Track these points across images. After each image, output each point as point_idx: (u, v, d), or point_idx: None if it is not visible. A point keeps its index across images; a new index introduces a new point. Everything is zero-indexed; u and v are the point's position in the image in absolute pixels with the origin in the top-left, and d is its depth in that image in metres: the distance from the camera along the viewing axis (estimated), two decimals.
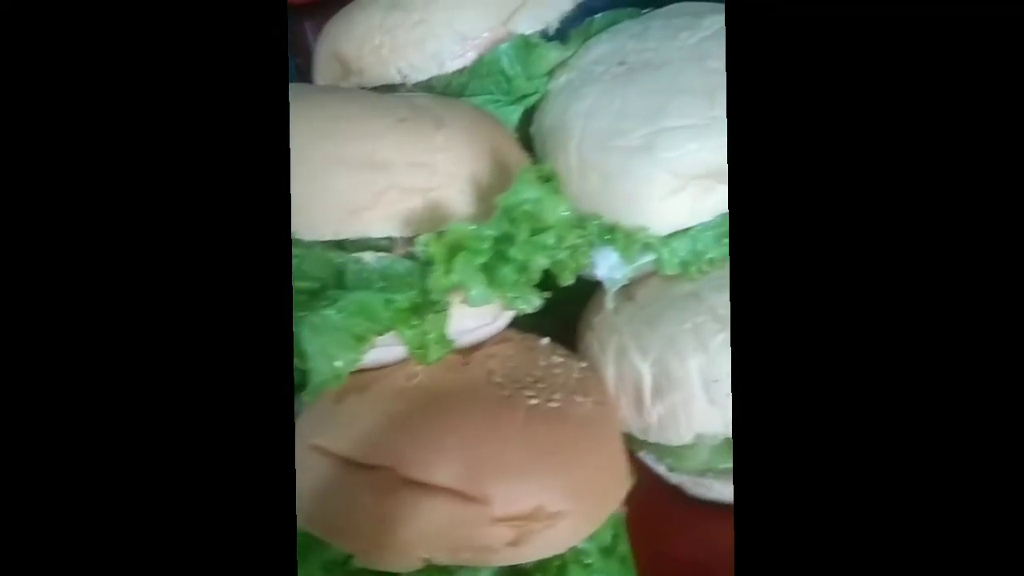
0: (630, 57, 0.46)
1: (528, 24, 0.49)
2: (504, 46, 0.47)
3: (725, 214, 0.44)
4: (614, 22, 0.52)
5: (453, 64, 0.48)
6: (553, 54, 0.49)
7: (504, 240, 0.36)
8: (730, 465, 0.43)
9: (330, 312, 0.35)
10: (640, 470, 0.47)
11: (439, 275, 0.35)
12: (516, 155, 0.42)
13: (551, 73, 0.49)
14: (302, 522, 0.37)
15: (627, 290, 0.47)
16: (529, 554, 0.35)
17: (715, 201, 0.43)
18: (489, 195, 0.39)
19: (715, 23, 0.46)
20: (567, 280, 0.41)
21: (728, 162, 0.32)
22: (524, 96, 0.49)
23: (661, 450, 0.44)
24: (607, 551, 0.38)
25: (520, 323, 0.51)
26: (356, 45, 0.49)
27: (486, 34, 0.48)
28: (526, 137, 0.50)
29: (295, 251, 0.38)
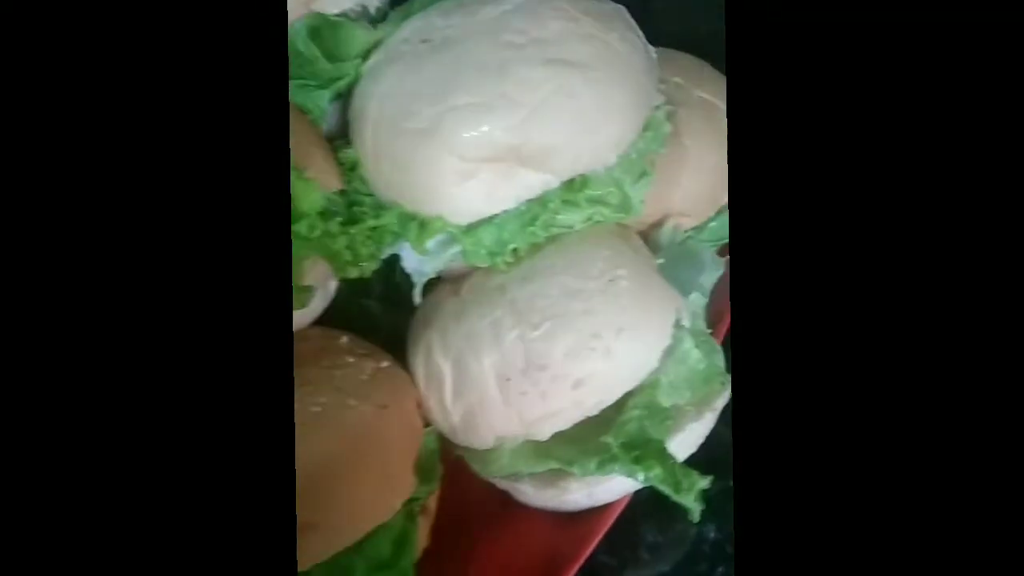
0: (433, 34, 0.43)
1: (331, 4, 0.46)
2: (298, 24, 0.44)
3: (532, 200, 0.41)
4: (433, 2, 0.49)
5: None
6: (361, 34, 0.45)
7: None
8: (536, 469, 0.40)
9: None
10: (466, 475, 0.44)
11: None
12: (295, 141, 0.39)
13: (365, 55, 0.47)
14: None
15: (454, 284, 0.45)
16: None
17: (517, 186, 0.40)
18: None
19: None
20: (350, 273, 0.39)
21: (728, 161, 0.32)
22: (333, 80, 0.46)
23: (469, 453, 0.42)
24: (385, 564, 0.35)
25: (376, 320, 0.48)
26: None
27: (288, 16, 0.45)
28: (344, 125, 0.47)
29: None
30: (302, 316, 0.41)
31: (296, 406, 0.35)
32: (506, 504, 0.45)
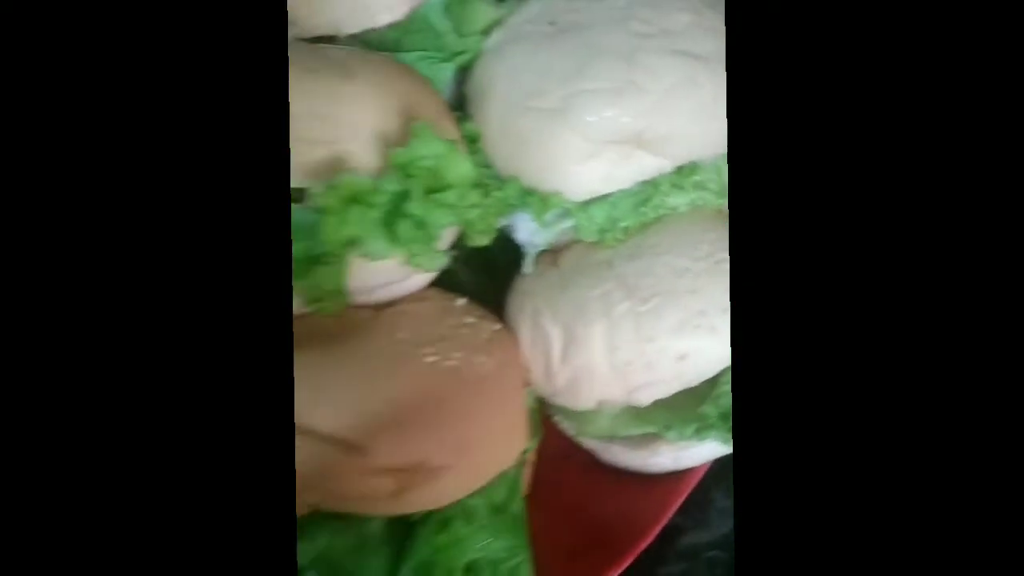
0: (560, 17, 0.46)
1: None
2: (434, 1, 0.47)
3: (645, 182, 0.44)
4: None
5: (383, 17, 0.47)
6: (487, 11, 0.48)
7: (401, 196, 0.36)
8: (632, 432, 0.44)
9: None
10: (555, 434, 0.48)
11: (333, 226, 0.35)
12: (436, 113, 0.42)
13: (487, 31, 0.49)
14: None
15: (552, 256, 0.48)
16: (410, 505, 0.36)
17: (633, 168, 0.43)
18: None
19: None
20: (478, 241, 0.41)
21: (728, 156, 0.33)
22: (457, 54, 0.48)
23: (568, 414, 0.45)
24: (498, 508, 0.39)
25: (461, 284, 0.51)
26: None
27: None
28: (461, 97, 0.50)
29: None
30: (423, 277, 0.44)
31: (430, 359, 0.39)
32: (590, 463, 0.48)
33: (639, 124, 0.41)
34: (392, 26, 0.48)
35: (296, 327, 0.39)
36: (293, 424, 0.30)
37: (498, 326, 0.45)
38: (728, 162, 0.32)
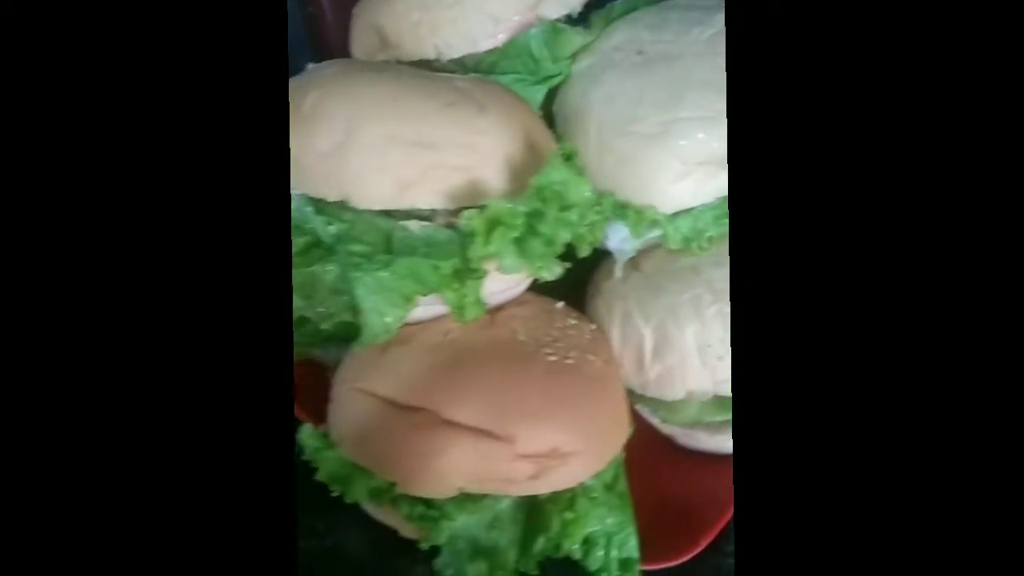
0: (647, 47, 0.51)
1: (555, 9, 0.53)
2: (535, 31, 0.51)
3: (724, 197, 0.49)
4: (633, 7, 0.56)
5: (485, 44, 0.52)
6: (577, 39, 0.53)
7: (534, 216, 0.41)
8: (716, 419, 0.49)
9: (383, 274, 0.40)
10: (638, 421, 0.53)
11: (478, 246, 0.40)
12: (544, 136, 0.47)
13: (574, 56, 0.54)
14: (348, 454, 0.43)
15: (634, 260, 0.53)
16: (545, 487, 0.41)
17: (717, 185, 0.48)
18: (521, 173, 0.44)
19: (724, 20, 0.50)
20: (585, 252, 0.46)
21: (728, 153, 0.33)
22: (549, 77, 0.53)
23: (656, 404, 0.50)
24: (609, 487, 0.44)
25: (538, 286, 0.56)
26: (395, 19, 0.53)
27: (516, 17, 0.52)
28: (549, 115, 0.54)
29: (348, 217, 0.43)
30: (524, 283, 0.49)
31: (552, 359, 0.44)
32: (670, 447, 0.54)
33: (724, 147, 0.46)
34: (490, 51, 0.53)
35: (427, 333, 0.44)
36: (293, 423, 0.32)
37: (593, 326, 0.50)
38: (728, 163, 0.33)
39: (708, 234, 0.49)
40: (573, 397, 0.42)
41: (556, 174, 0.41)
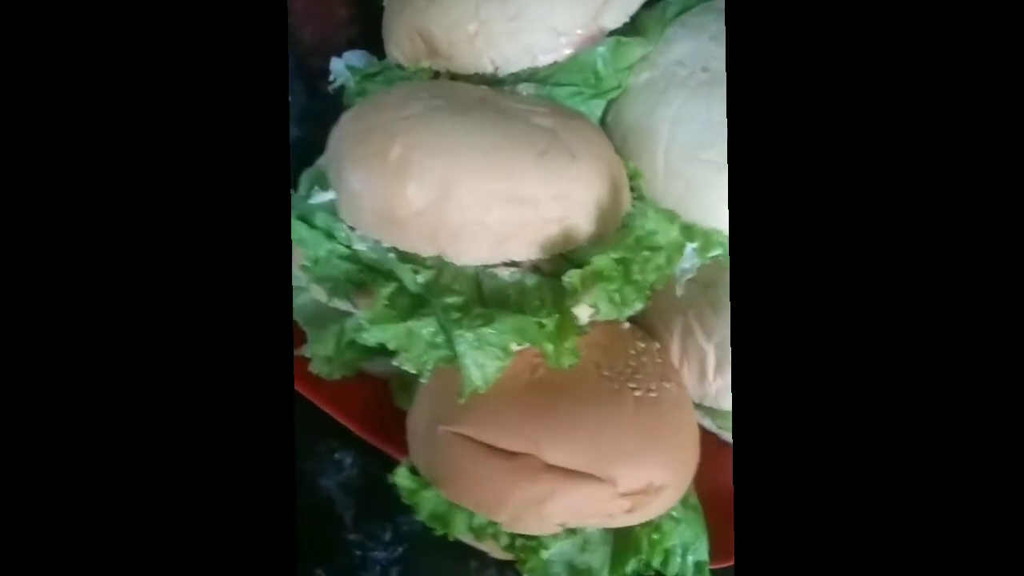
0: (712, 64, 0.50)
1: (616, 18, 0.51)
2: (601, 49, 0.50)
3: None
4: (686, 7, 0.54)
5: (545, 58, 0.50)
6: (638, 50, 0.51)
7: (628, 264, 0.42)
8: None
9: (486, 330, 0.40)
10: None
11: (579, 300, 0.40)
12: (620, 170, 0.47)
13: (631, 67, 0.52)
14: (447, 495, 0.44)
15: (691, 279, 0.54)
16: (640, 518, 0.44)
17: None
18: (607, 214, 0.44)
19: None
20: (660, 284, 0.47)
21: (728, 162, 0.34)
22: (609, 91, 0.52)
23: (714, 413, 0.54)
24: (684, 503, 0.48)
25: None
26: (448, 29, 0.50)
27: (579, 31, 0.50)
28: (602, 126, 0.54)
29: (433, 263, 0.42)
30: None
31: (637, 394, 0.46)
32: (718, 443, 0.57)
33: None
34: (550, 65, 0.51)
35: (514, 371, 0.45)
36: (292, 425, 0.32)
37: (657, 345, 0.52)
38: (728, 166, 0.33)
39: None
40: (662, 432, 0.45)
41: (650, 223, 0.42)
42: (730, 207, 0.33)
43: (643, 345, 0.50)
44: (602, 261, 0.40)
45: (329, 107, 0.81)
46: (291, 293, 0.38)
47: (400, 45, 0.54)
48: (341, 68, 0.60)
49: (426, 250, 0.41)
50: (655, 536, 0.45)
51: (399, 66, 0.55)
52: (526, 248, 0.41)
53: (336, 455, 0.59)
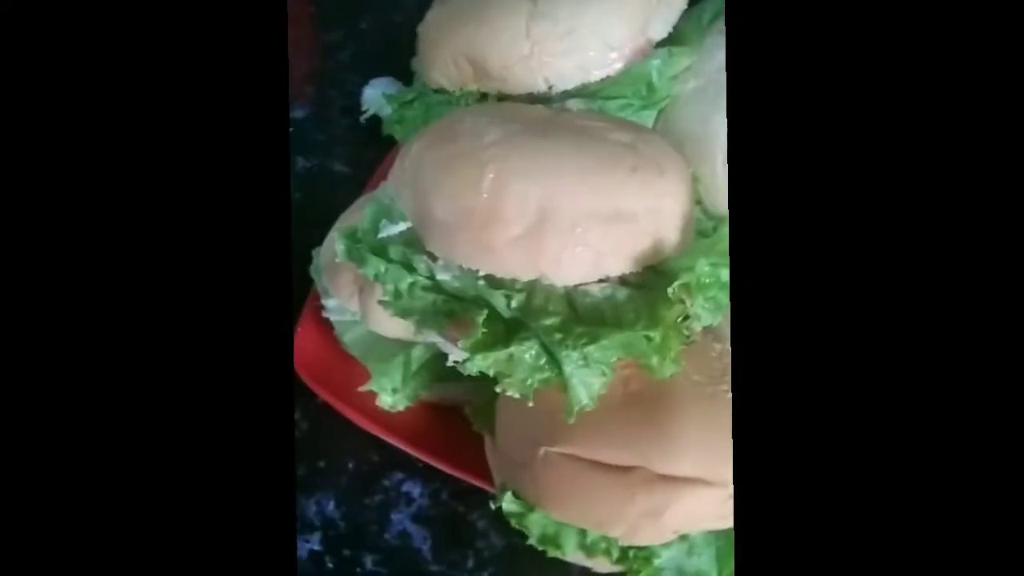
0: None
1: (662, 29, 0.52)
2: (656, 61, 0.51)
3: None
4: (719, 12, 0.56)
5: (598, 73, 0.51)
6: (686, 60, 0.53)
7: (720, 270, 0.43)
8: None
9: (591, 348, 0.41)
10: None
11: (681, 311, 0.41)
12: (691, 179, 0.48)
13: (677, 76, 0.53)
14: (557, 516, 0.44)
15: None
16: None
17: None
18: (688, 225, 0.45)
19: None
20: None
21: (728, 162, 0.33)
22: (659, 100, 0.53)
23: None
24: None
25: None
26: (501, 52, 0.50)
27: (630, 43, 0.51)
28: None
29: (523, 285, 0.42)
30: None
31: (728, 395, 0.46)
32: None
33: None
34: (603, 79, 0.52)
35: (614, 388, 0.45)
36: (293, 430, 0.34)
37: (729, 343, 0.53)
38: (728, 164, 0.33)
39: None
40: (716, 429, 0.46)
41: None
42: (730, 207, 0.34)
43: (719, 346, 0.51)
44: (702, 269, 0.41)
45: (333, 134, 0.80)
46: (291, 295, 0.38)
47: (444, 70, 0.54)
48: (375, 97, 0.59)
49: (525, 275, 0.41)
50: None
51: (439, 90, 0.55)
52: (621, 263, 0.42)
53: (404, 488, 0.59)
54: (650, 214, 0.42)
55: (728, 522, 0.44)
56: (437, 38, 0.54)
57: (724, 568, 0.46)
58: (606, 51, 0.51)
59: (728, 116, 0.33)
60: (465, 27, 0.52)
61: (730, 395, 0.46)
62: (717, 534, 0.47)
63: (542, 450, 0.45)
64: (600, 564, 0.47)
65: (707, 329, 0.52)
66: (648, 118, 0.53)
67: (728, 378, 0.48)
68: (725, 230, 0.44)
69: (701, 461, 0.43)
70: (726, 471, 0.43)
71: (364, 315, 0.56)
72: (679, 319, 0.42)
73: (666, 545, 0.45)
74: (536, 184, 0.40)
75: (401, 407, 0.56)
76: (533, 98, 0.52)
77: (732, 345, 0.33)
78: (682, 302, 0.41)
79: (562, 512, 0.44)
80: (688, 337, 0.42)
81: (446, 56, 0.53)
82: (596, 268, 0.41)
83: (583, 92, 0.52)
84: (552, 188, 0.40)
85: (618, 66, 0.51)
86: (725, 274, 0.43)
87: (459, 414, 0.55)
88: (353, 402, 0.58)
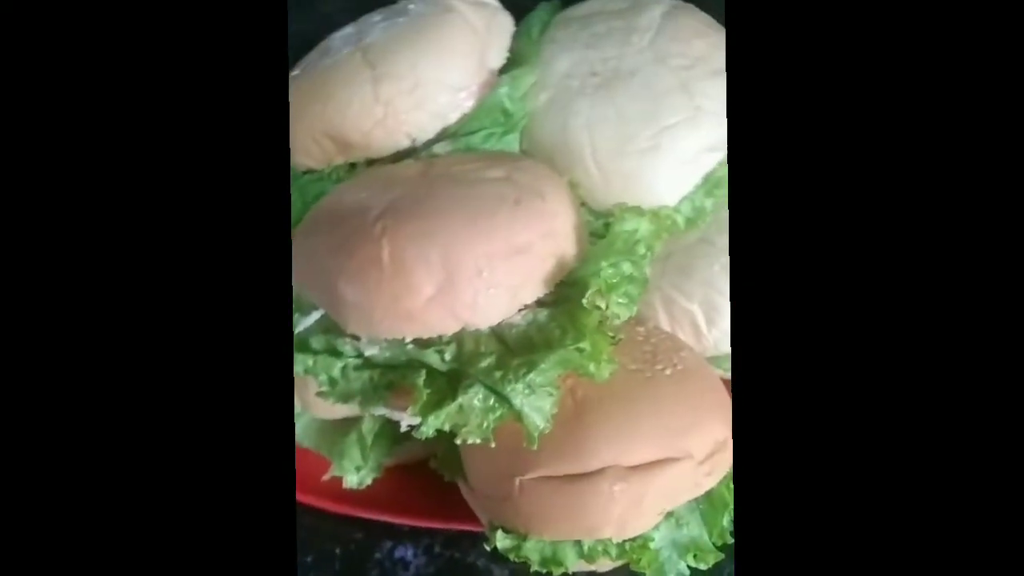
0: (597, 67, 0.55)
1: (499, 56, 0.55)
2: (503, 89, 0.53)
3: (708, 173, 0.56)
4: (545, 24, 0.58)
5: (454, 115, 0.53)
6: (531, 78, 0.55)
7: (623, 266, 0.45)
8: None
9: (533, 375, 0.42)
10: None
11: (600, 315, 0.43)
12: (570, 189, 0.50)
13: (526, 95, 0.56)
14: (551, 537, 0.46)
15: None
16: (720, 475, 0.48)
17: (705, 167, 0.55)
18: (581, 232, 0.47)
19: (652, 21, 0.55)
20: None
21: (728, 161, 0.37)
22: (519, 123, 0.55)
23: (719, 360, 0.58)
24: None
25: None
26: (356, 122, 0.51)
27: (475, 80, 0.53)
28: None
29: (451, 337, 0.44)
30: None
31: (668, 372, 0.50)
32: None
33: (711, 137, 0.53)
34: (460, 118, 0.53)
35: (564, 400, 0.47)
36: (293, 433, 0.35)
37: (652, 324, 0.56)
38: (728, 162, 0.36)
39: (706, 209, 0.56)
40: (703, 392, 0.49)
41: (627, 223, 0.46)
42: (730, 207, 0.35)
43: (643, 329, 0.54)
44: (606, 272, 0.44)
45: None
46: (291, 295, 0.40)
47: (307, 151, 0.54)
48: None
49: (449, 329, 0.42)
50: (731, 485, 0.49)
51: (307, 171, 0.56)
52: (534, 290, 0.44)
53: (397, 554, 0.59)
54: (545, 238, 0.44)
55: (705, 486, 0.48)
56: (291, 123, 0.54)
57: (714, 528, 0.50)
58: (455, 93, 0.52)
59: (728, 116, 0.34)
60: (314, 107, 0.52)
61: (668, 370, 0.50)
62: (697, 499, 0.50)
63: (517, 481, 0.46)
64: (603, 565, 0.49)
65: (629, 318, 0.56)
66: (513, 141, 0.56)
67: (664, 357, 0.51)
68: (617, 227, 0.46)
69: (662, 441, 0.46)
70: (687, 442, 0.46)
71: (305, 406, 0.56)
72: (600, 322, 0.45)
73: (655, 527, 0.48)
74: (432, 244, 0.42)
75: (369, 481, 0.57)
76: (400, 155, 0.53)
77: (732, 345, 0.34)
78: (597, 307, 0.43)
79: (553, 532, 0.46)
80: (613, 337, 0.45)
81: (305, 138, 0.54)
82: (513, 302, 0.43)
83: (446, 136, 0.54)
84: (448, 244, 0.42)
85: (470, 103, 0.53)
86: (627, 267, 0.46)
87: (427, 468, 0.56)
88: (323, 491, 0.58)
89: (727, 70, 0.36)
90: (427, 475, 0.56)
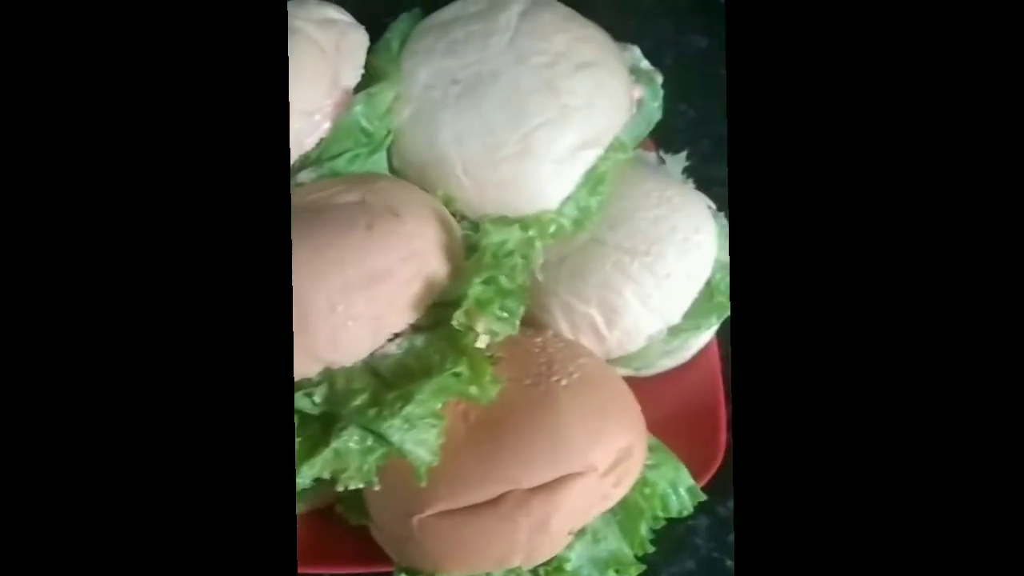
0: (458, 74, 0.52)
1: (353, 75, 0.52)
2: (358, 108, 0.50)
3: (589, 170, 0.54)
4: (405, 36, 0.56)
5: (311, 140, 0.50)
6: (390, 94, 0.52)
7: (496, 280, 0.43)
8: (674, 344, 0.56)
9: (410, 408, 0.40)
10: None
11: (475, 335, 0.41)
12: (438, 203, 0.48)
13: (388, 111, 0.53)
14: (460, 572, 0.43)
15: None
16: (629, 484, 0.46)
17: (583, 165, 0.53)
18: (452, 248, 0.45)
19: (510, 20, 0.53)
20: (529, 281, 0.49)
21: (728, 163, 0.34)
22: (383, 141, 0.52)
23: (627, 360, 0.56)
24: (649, 448, 0.50)
25: None
26: None
27: (328, 101, 0.50)
28: (394, 174, 0.54)
29: (320, 378, 0.41)
30: None
31: (564, 383, 0.47)
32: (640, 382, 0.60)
33: (583, 133, 0.51)
34: (318, 144, 0.50)
35: (451, 430, 0.44)
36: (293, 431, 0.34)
37: (550, 332, 0.53)
38: (728, 161, 0.34)
39: (592, 207, 0.54)
40: (604, 400, 0.47)
41: (495, 235, 0.43)
42: (730, 206, 0.35)
43: (539, 339, 0.51)
44: (475, 289, 0.41)
45: None
46: (290, 295, 0.35)
47: None
48: None
49: (311, 371, 0.40)
50: (646, 491, 0.47)
51: None
52: (402, 316, 0.41)
53: None
54: (405, 261, 0.41)
55: (614, 498, 0.45)
56: None
57: (634, 538, 0.47)
58: (308, 117, 0.49)
59: (728, 116, 0.33)
60: None
61: (564, 381, 0.47)
62: (613, 510, 0.48)
63: (415, 519, 0.44)
64: None
65: (524, 329, 0.53)
66: (381, 160, 0.53)
67: (559, 367, 0.48)
68: (484, 240, 0.44)
69: (560, 457, 0.43)
70: (588, 455, 0.44)
71: None
72: (478, 342, 0.42)
73: (569, 547, 0.45)
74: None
75: None
76: None
77: (732, 345, 0.33)
78: (471, 329, 0.41)
79: (460, 567, 0.43)
80: (491, 356, 0.42)
81: None
82: (378, 332, 0.41)
83: (307, 162, 0.51)
84: (297, 280, 0.39)
85: (326, 125, 0.50)
86: (504, 281, 0.44)
87: (336, 514, 0.53)
88: None
89: (727, 70, 0.34)
90: (338, 519, 0.53)
